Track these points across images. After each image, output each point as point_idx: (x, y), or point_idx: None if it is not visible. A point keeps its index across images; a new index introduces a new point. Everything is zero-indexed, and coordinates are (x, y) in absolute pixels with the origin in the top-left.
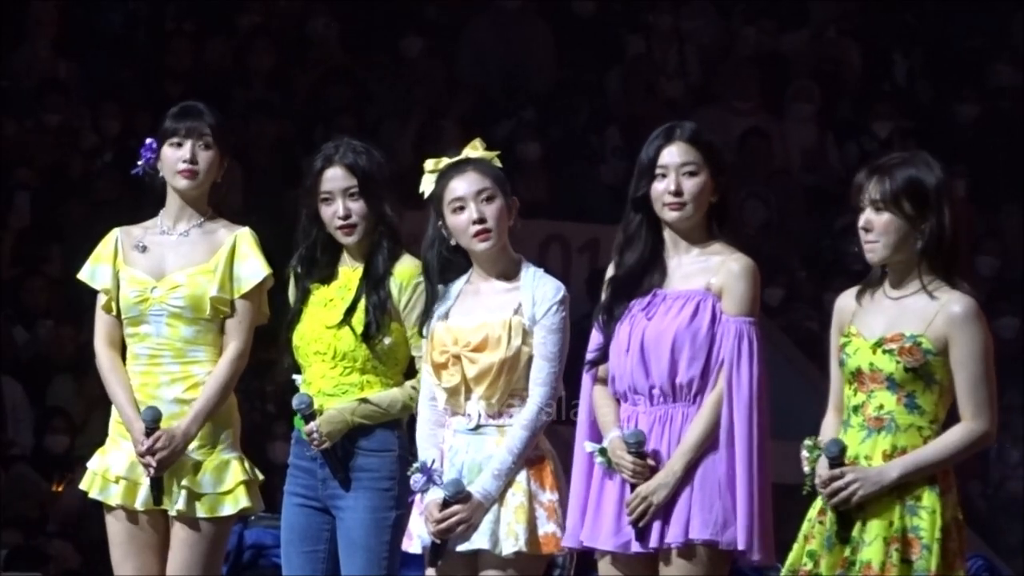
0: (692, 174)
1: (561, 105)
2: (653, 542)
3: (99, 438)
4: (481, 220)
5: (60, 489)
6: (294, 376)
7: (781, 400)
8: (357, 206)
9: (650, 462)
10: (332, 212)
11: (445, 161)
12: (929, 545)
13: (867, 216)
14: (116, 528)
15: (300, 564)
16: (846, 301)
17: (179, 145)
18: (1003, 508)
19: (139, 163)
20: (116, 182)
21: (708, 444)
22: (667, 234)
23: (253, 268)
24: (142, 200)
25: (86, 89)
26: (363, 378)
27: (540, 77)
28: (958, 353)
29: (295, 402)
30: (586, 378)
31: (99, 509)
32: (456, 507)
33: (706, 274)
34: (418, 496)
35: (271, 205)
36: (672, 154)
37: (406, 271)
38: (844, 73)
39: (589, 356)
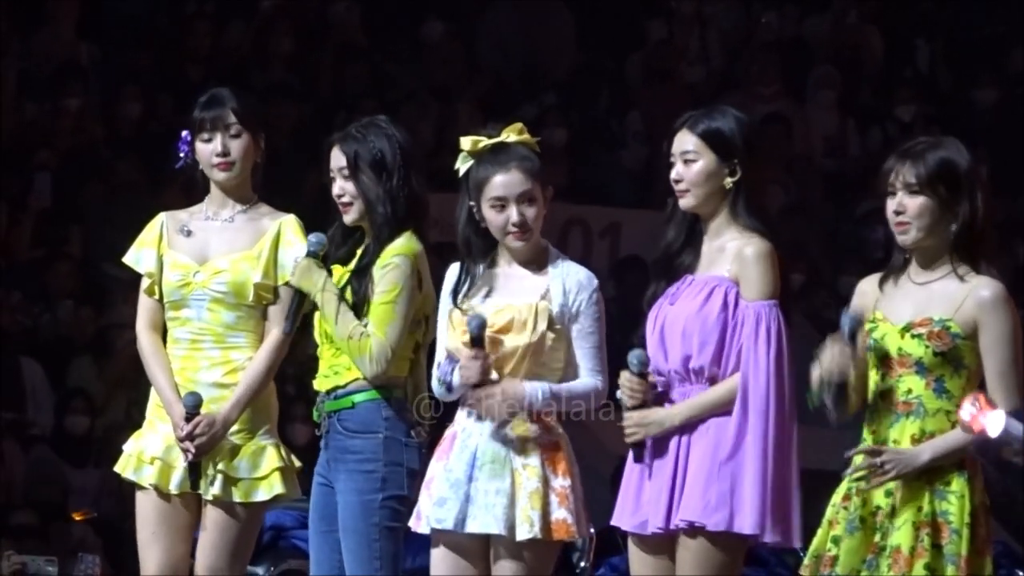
0: (690, 161)
1: (582, 90)
2: (660, 522)
3: (120, 419)
4: (521, 224)
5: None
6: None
7: (803, 385)
8: (348, 186)
9: (652, 380)
10: (333, 191)
11: (484, 142)
12: (959, 529)
13: (900, 199)
14: (147, 508)
15: (319, 544)
16: (869, 285)
17: (209, 139)
18: (1021, 489)
19: (180, 156)
20: (136, 164)
21: (716, 410)
22: (700, 219)
23: (297, 255)
24: (161, 182)
25: (107, 72)
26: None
27: (560, 62)
28: (988, 338)
29: (312, 238)
30: None
31: (119, 497)
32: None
33: (725, 260)
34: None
35: (290, 188)
36: (676, 142)
37: (387, 252)
38: (865, 59)
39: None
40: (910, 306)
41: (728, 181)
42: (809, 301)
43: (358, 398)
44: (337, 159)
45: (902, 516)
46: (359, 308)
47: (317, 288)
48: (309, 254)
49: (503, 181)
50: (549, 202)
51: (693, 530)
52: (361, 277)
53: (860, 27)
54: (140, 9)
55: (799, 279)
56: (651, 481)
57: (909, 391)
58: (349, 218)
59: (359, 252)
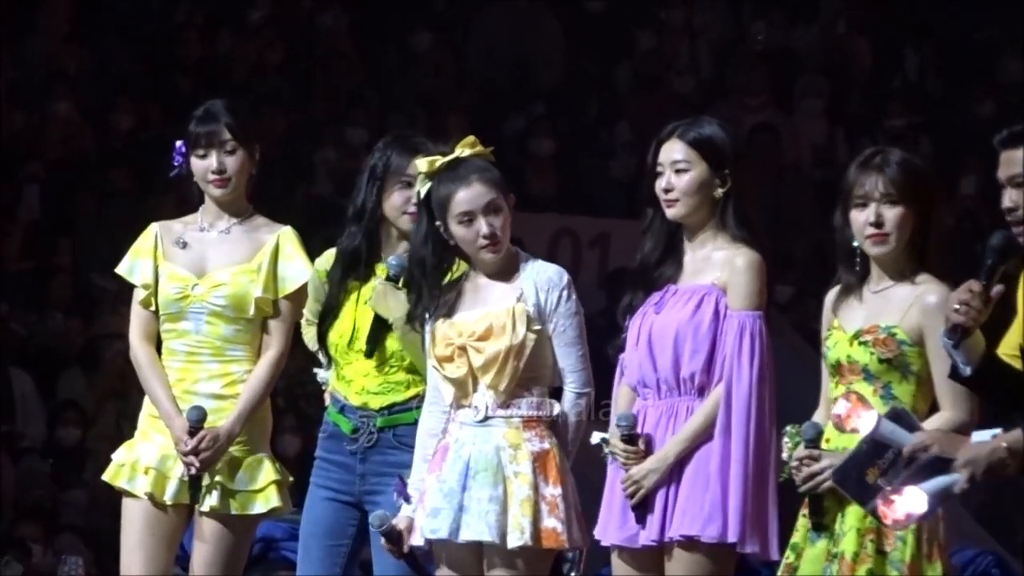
0: (682, 171)
1: (571, 99)
2: (654, 535)
3: (110, 431)
4: (491, 235)
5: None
6: (316, 371)
7: (791, 395)
8: None
9: (641, 445)
10: (407, 197)
11: (439, 161)
12: (903, 536)
13: (877, 210)
14: (135, 516)
15: (320, 557)
16: (831, 297)
17: (204, 155)
18: (1014, 501)
19: (175, 166)
20: (127, 174)
21: (705, 436)
22: (683, 229)
23: (297, 269)
24: (152, 192)
25: (97, 81)
26: (409, 377)
27: (549, 71)
28: (934, 343)
29: (392, 261)
30: (618, 370)
31: (110, 508)
32: None
33: (713, 269)
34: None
35: (279, 197)
36: (666, 152)
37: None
38: (854, 68)
39: (622, 340)
40: (863, 314)
41: (719, 191)
42: (798, 312)
43: (418, 414)
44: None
45: (848, 523)
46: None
47: (394, 316)
48: (388, 278)
49: (466, 196)
50: (513, 210)
51: (689, 542)
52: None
53: (849, 36)
54: (130, 18)
55: (788, 291)
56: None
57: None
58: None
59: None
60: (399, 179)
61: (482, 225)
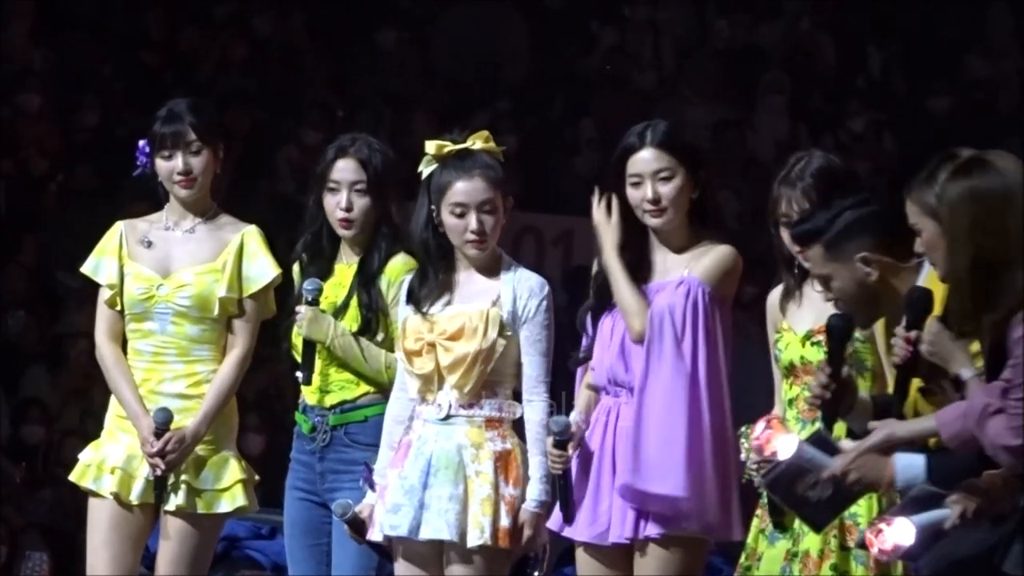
0: (667, 179)
1: (535, 96)
2: (628, 532)
3: (74, 428)
4: (480, 232)
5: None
6: (298, 373)
7: (755, 394)
8: (362, 202)
9: (570, 451)
10: (335, 203)
11: (448, 147)
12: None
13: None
14: (101, 516)
15: (304, 558)
16: (775, 298)
17: (169, 156)
18: None
19: (138, 165)
20: (92, 172)
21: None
22: (652, 233)
23: (262, 268)
24: (117, 190)
25: (62, 79)
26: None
27: (514, 68)
28: (882, 337)
29: (307, 284)
30: (579, 372)
31: (73, 508)
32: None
33: (684, 266)
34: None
35: (242, 196)
36: (645, 161)
37: (395, 268)
38: (818, 65)
39: (582, 350)
40: (811, 314)
41: (695, 193)
42: (761, 308)
43: (369, 412)
44: (352, 172)
45: None
46: (371, 322)
47: (329, 336)
48: (308, 303)
49: (465, 188)
50: (508, 212)
51: (663, 538)
52: (371, 289)
53: (812, 33)
54: (97, 15)
55: (752, 290)
56: (614, 491)
57: None
58: (349, 232)
59: (358, 264)
60: (324, 184)
61: (472, 220)
